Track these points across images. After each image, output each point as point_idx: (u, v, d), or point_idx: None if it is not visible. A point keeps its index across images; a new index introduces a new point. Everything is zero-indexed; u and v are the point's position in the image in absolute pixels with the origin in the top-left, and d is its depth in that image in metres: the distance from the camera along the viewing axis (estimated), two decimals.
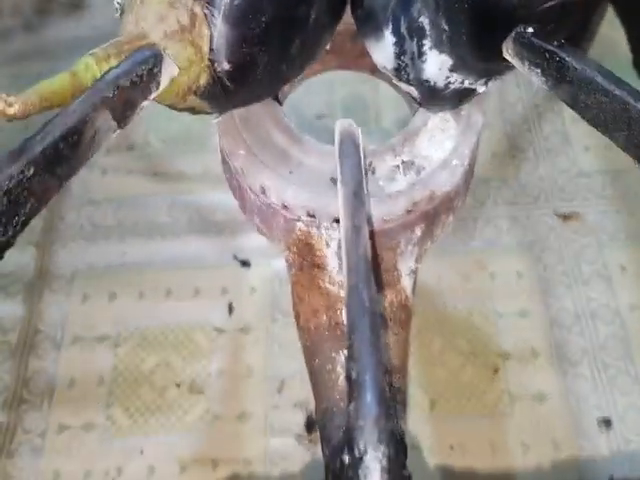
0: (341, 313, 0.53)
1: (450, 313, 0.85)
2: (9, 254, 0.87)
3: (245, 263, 0.90)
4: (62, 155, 0.37)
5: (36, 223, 0.94)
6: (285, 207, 0.48)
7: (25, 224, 0.38)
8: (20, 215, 0.36)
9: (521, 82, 1.06)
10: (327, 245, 0.50)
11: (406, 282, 0.53)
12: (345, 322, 0.53)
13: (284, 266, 0.90)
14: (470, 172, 0.52)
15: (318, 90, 1.01)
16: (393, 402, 0.39)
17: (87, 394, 0.81)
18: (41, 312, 0.87)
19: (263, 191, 0.49)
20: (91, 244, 0.92)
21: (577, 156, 0.98)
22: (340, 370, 0.52)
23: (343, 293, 0.53)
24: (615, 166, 0.97)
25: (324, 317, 0.53)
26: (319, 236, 0.49)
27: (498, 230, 0.92)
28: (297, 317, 0.55)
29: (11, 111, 0.35)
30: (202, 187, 0.96)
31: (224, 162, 0.54)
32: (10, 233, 0.37)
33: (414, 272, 0.53)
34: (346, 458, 0.29)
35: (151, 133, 1.02)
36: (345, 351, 0.53)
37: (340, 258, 0.51)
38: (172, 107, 0.48)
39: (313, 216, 0.48)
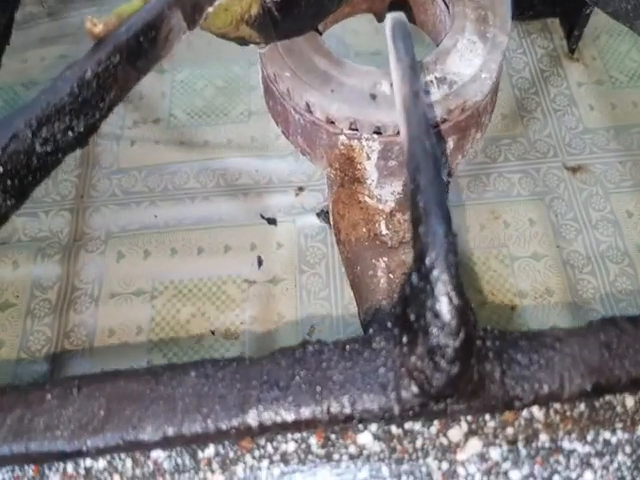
0: (379, 225, 0.58)
1: (468, 258, 0.90)
2: (45, 219, 0.92)
3: (271, 221, 0.94)
4: (142, 47, 0.41)
5: (69, 191, 0.98)
6: (329, 121, 0.53)
7: (109, 110, 0.42)
8: (106, 100, 0.41)
9: (527, 50, 1.11)
10: (367, 157, 0.54)
11: None
12: (382, 232, 0.57)
13: (308, 223, 0.95)
14: (496, 89, 0.57)
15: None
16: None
17: (127, 343, 0.85)
18: (78, 271, 0.91)
19: (308, 108, 0.53)
20: (123, 208, 0.96)
21: (582, 115, 1.03)
22: (381, 274, 0.57)
23: (381, 206, 0.58)
24: (618, 123, 1.02)
25: (363, 229, 0.58)
26: (360, 148, 0.54)
27: (510, 183, 0.96)
28: (338, 233, 0.60)
29: (96, 30, 0.40)
30: (227, 154, 1.01)
31: (267, 92, 0.59)
32: (97, 116, 0.41)
33: (446, 186, 0.58)
34: (415, 279, 0.34)
35: (175, 107, 1.07)
36: (385, 258, 0.57)
37: (380, 170, 0.55)
38: (225, 36, 0.52)
39: (355, 129, 0.52)
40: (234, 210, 0.95)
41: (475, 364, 0.33)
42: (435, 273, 0.32)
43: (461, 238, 0.91)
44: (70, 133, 0.38)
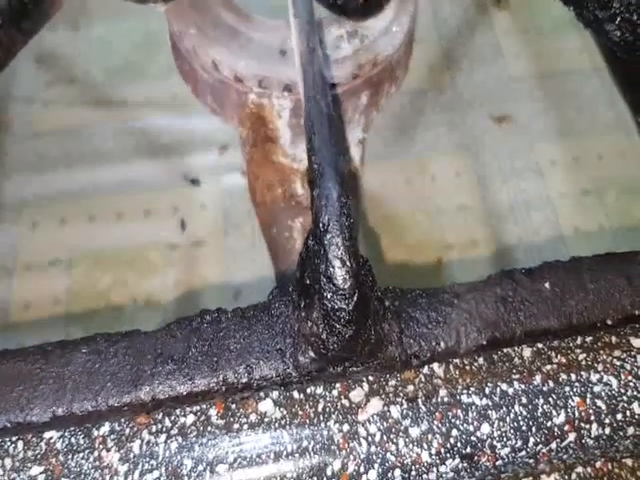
0: (295, 185, 0.57)
1: (395, 213, 0.89)
2: None
3: (195, 182, 0.92)
4: (26, 8, 0.39)
5: None
6: (237, 79, 0.51)
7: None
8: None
9: (454, 0, 1.10)
10: (279, 116, 0.52)
11: (354, 152, 0.56)
12: (297, 192, 0.56)
13: (233, 182, 0.93)
14: (409, 43, 0.56)
15: None
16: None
17: (44, 316, 0.82)
18: None
19: (215, 66, 0.51)
20: (37, 175, 0.92)
21: (508, 64, 1.03)
22: (296, 236, 0.56)
23: (296, 165, 0.56)
24: (543, 71, 1.02)
25: (279, 190, 0.56)
26: (271, 107, 0.52)
27: (437, 135, 0.96)
28: (253, 194, 0.58)
29: None
30: (146, 113, 0.97)
31: (174, 48, 0.56)
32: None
33: (362, 142, 0.57)
34: (310, 242, 0.33)
35: (91, 66, 1.02)
36: (300, 219, 0.56)
37: (292, 129, 0.54)
38: None
39: (265, 87, 0.51)
40: (155, 172, 0.92)
41: (372, 325, 0.33)
42: (328, 237, 0.31)
43: (387, 194, 0.91)
44: None
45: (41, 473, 0.33)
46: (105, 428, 0.34)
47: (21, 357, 0.34)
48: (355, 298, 0.31)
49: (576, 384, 0.36)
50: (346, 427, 0.34)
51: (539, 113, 0.99)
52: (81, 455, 0.33)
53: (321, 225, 0.31)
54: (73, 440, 0.34)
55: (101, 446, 0.34)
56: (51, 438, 0.34)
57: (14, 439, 0.34)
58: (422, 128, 0.97)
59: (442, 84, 1.02)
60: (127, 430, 0.34)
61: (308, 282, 0.33)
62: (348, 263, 0.31)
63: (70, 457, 0.33)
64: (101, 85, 1.00)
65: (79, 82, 1.00)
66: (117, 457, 0.33)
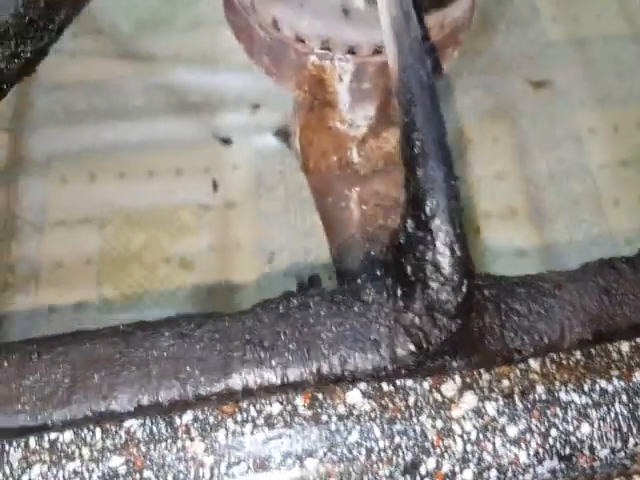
0: (350, 153, 0.54)
1: None
2: None
3: (226, 141, 0.89)
4: None
5: (5, 110, 0.90)
6: (298, 39, 0.48)
7: (60, 32, 0.37)
8: (56, 21, 0.35)
9: None
10: (340, 79, 0.50)
11: None
12: (354, 160, 0.54)
13: (265, 142, 0.90)
14: (473, 5, 0.53)
15: None
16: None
17: (75, 275, 0.80)
18: (19, 198, 0.85)
19: (275, 24, 0.48)
20: (64, 128, 0.89)
21: (545, 27, 0.99)
22: (353, 206, 0.53)
23: (352, 132, 0.54)
24: (582, 35, 0.99)
25: (334, 157, 0.54)
26: (332, 69, 0.49)
27: (473, 99, 0.93)
28: (306, 161, 0.56)
29: None
30: (175, 68, 0.94)
31: (227, 4, 0.53)
32: (46, 40, 0.36)
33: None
34: (411, 226, 0.30)
35: (118, 16, 0.98)
36: (357, 188, 0.54)
37: (352, 93, 0.51)
38: None
39: (327, 48, 0.48)
40: (185, 130, 0.89)
41: (475, 318, 0.31)
42: (436, 222, 0.29)
43: None
44: (16, 60, 0.33)
45: (122, 464, 0.31)
46: (188, 416, 0.33)
47: (99, 340, 0.32)
48: (464, 290, 0.29)
49: None
50: (439, 423, 0.33)
51: (578, 79, 0.96)
52: (163, 445, 0.32)
53: (428, 210, 0.29)
54: (154, 429, 0.32)
55: (184, 435, 0.32)
56: (131, 427, 0.32)
57: (92, 427, 0.32)
58: (459, 91, 0.94)
59: (479, 46, 0.99)
60: (211, 419, 0.33)
61: (409, 270, 0.31)
62: (458, 252, 0.29)
63: (152, 447, 0.32)
64: (129, 37, 0.96)
65: (106, 34, 0.96)
66: (202, 447, 0.32)
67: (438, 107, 0.30)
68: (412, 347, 0.31)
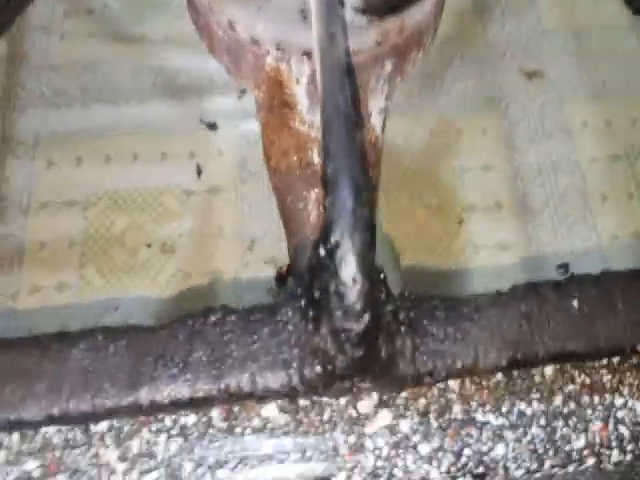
0: (312, 153, 0.54)
1: (417, 170, 0.86)
2: None
3: (212, 126, 0.89)
4: None
5: None
6: (254, 41, 0.48)
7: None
8: None
9: None
10: (297, 82, 0.49)
11: (376, 120, 0.54)
12: (314, 161, 0.54)
13: (251, 128, 0.90)
14: (440, 7, 0.52)
15: None
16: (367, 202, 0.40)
17: (58, 256, 0.81)
18: (5, 179, 0.86)
19: (231, 26, 0.48)
20: (53, 110, 0.89)
21: (542, 15, 0.97)
22: (311, 208, 0.53)
23: (313, 133, 0.54)
24: (578, 25, 0.97)
25: (294, 158, 0.54)
26: (289, 71, 0.49)
27: (464, 88, 0.91)
28: (268, 160, 0.56)
29: None
30: (165, 51, 0.93)
31: (189, 2, 0.53)
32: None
33: (384, 111, 0.54)
34: (322, 251, 0.31)
35: None
36: (316, 190, 0.54)
37: (310, 96, 0.51)
38: None
39: (283, 49, 0.47)
40: (172, 114, 0.89)
41: (383, 343, 0.31)
42: (339, 253, 0.29)
43: (409, 149, 0.88)
44: None
45: (37, 468, 0.32)
46: (103, 425, 0.33)
47: (17, 349, 0.33)
48: (366, 319, 0.29)
49: (599, 407, 0.34)
50: (352, 439, 0.33)
51: (572, 70, 0.93)
52: (78, 451, 0.33)
53: (333, 240, 0.29)
54: (70, 435, 0.33)
55: (99, 442, 0.33)
56: (47, 432, 0.33)
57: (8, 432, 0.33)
58: (450, 80, 0.92)
59: (472, 34, 0.97)
60: (126, 427, 0.33)
61: (317, 294, 0.31)
62: (360, 282, 0.29)
63: (68, 453, 0.33)
64: (120, 18, 0.95)
65: (97, 14, 0.96)
66: (115, 455, 0.33)
67: (351, 135, 0.30)
68: (319, 369, 0.31)
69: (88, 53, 0.93)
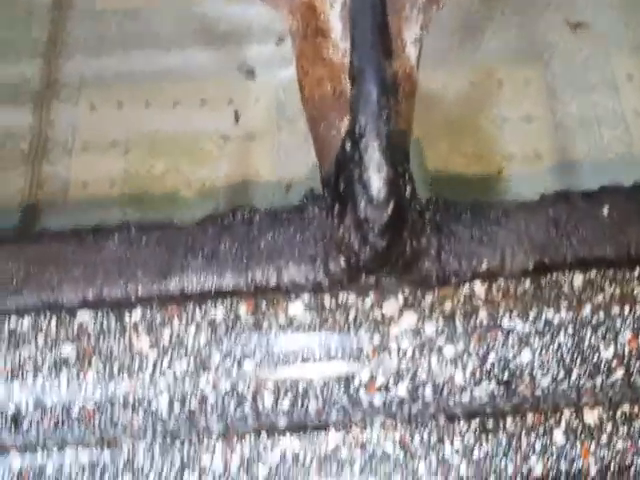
0: (345, 82, 0.54)
1: (456, 118, 0.86)
2: (16, 65, 0.86)
3: (250, 73, 0.89)
4: None
5: (40, 35, 0.93)
6: None
7: None
8: None
9: None
10: (331, 7, 0.49)
11: (411, 51, 0.53)
12: (347, 90, 0.54)
13: (288, 76, 0.90)
14: None
15: None
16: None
17: (101, 196, 0.83)
18: (51, 121, 0.88)
19: None
20: (96, 56, 0.91)
21: None
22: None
23: (347, 61, 0.53)
24: None
25: (328, 87, 0.54)
26: None
27: (507, 38, 0.90)
28: (302, 89, 0.56)
29: None
30: None
31: None
32: None
33: (419, 41, 0.53)
34: (348, 144, 0.31)
35: None
36: (349, 118, 0.54)
37: (344, 21, 0.50)
38: None
39: None
40: (211, 61, 0.90)
41: (408, 238, 0.31)
42: (364, 141, 0.29)
43: (449, 98, 0.87)
44: None
45: (72, 352, 0.34)
46: (137, 314, 0.34)
47: (55, 239, 0.34)
48: (390, 208, 0.29)
49: (629, 318, 0.34)
50: (377, 339, 0.34)
51: (618, 23, 0.91)
52: (112, 337, 0.34)
53: (357, 128, 0.29)
54: (105, 323, 0.34)
55: (132, 330, 0.34)
56: (84, 319, 0.34)
57: (48, 317, 0.34)
58: (491, 31, 0.91)
59: None
60: (158, 317, 0.34)
61: (341, 187, 0.31)
62: (385, 170, 0.29)
63: (102, 339, 0.34)
64: None
65: None
66: (147, 343, 0.34)
67: (378, 28, 0.30)
68: (343, 262, 0.31)
69: (131, 0, 0.94)
